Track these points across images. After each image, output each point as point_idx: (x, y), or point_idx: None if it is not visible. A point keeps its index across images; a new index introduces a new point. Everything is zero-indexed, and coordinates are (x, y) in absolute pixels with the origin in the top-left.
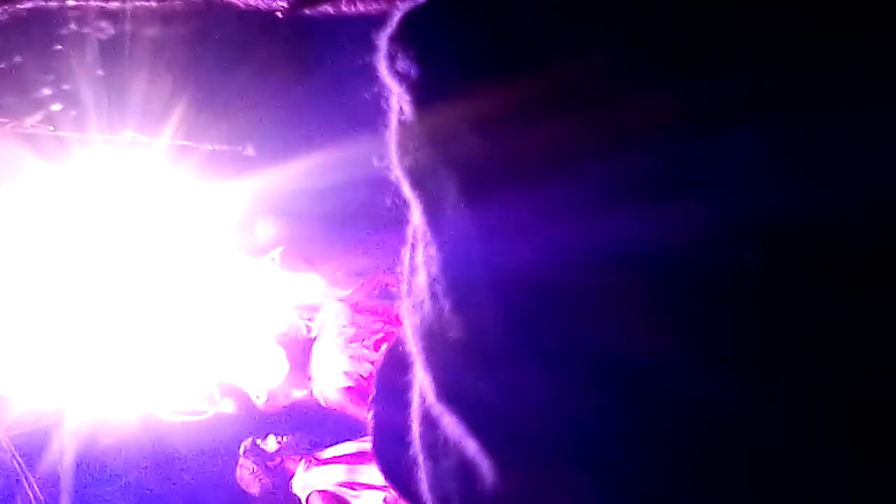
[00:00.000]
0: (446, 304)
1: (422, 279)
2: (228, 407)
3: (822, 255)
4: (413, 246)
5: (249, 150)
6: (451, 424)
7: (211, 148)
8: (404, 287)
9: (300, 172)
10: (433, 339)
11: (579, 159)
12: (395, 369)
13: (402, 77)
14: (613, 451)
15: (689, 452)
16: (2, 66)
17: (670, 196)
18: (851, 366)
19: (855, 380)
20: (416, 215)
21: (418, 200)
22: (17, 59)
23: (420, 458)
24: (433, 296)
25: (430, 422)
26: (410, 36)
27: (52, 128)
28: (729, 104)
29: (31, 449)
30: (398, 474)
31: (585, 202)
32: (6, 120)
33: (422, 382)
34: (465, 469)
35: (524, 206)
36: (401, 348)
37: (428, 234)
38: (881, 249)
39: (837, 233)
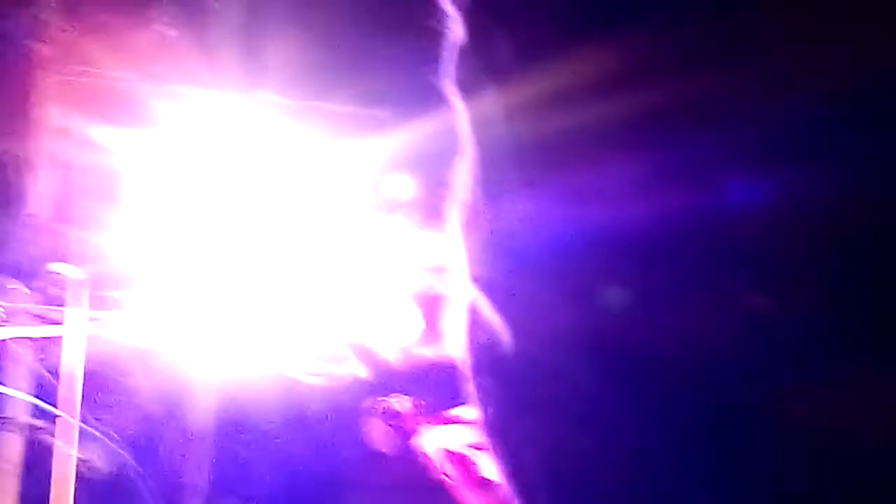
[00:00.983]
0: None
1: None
2: (361, 368)
3: None
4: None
5: (382, 113)
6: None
7: (343, 109)
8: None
9: (433, 132)
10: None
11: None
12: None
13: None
14: None
15: None
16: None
17: (804, 157)
18: None
19: None
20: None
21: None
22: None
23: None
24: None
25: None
26: None
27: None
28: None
29: (175, 400)
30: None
31: (710, 164)
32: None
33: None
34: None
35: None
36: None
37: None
38: None
39: None
